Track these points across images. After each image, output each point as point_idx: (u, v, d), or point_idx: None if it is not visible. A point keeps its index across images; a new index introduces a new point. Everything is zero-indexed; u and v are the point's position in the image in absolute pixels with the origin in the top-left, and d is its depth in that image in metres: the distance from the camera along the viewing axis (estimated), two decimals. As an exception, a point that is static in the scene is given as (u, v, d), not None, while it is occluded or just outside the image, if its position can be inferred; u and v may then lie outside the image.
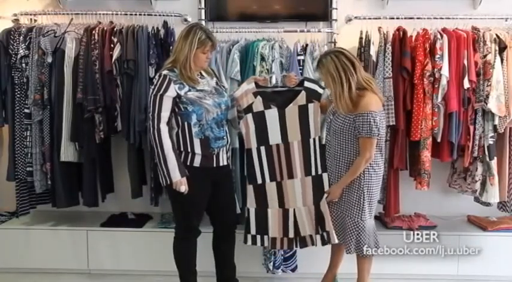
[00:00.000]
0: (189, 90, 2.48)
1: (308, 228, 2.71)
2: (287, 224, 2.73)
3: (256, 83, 2.69)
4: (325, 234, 2.65)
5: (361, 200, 2.51)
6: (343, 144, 2.52)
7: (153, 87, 2.48)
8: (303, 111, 2.68)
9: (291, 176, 2.71)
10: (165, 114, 2.45)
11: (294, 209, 2.72)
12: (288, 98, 2.69)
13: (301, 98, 2.68)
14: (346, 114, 2.47)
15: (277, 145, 2.69)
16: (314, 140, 2.69)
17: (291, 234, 2.73)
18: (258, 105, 2.67)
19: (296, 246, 2.77)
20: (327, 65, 2.47)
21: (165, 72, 2.48)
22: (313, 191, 2.69)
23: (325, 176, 2.67)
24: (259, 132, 2.68)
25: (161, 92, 2.43)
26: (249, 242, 2.74)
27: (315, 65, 2.99)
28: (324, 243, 2.67)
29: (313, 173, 2.70)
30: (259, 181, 2.71)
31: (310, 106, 2.68)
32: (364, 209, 2.52)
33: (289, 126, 2.68)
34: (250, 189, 2.72)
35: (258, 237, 2.73)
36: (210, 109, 2.50)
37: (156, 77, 2.51)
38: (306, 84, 2.70)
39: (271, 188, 2.72)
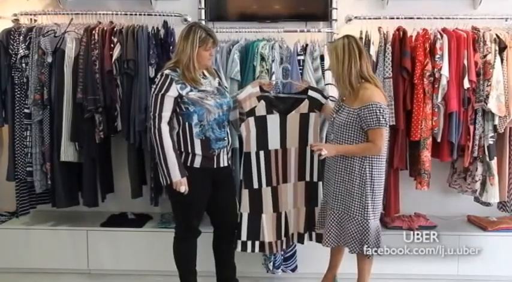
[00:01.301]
0: (191, 91, 2.47)
1: (293, 227, 2.78)
2: (280, 227, 2.75)
3: (260, 87, 2.69)
4: (313, 233, 2.78)
5: (363, 197, 2.48)
6: (347, 141, 2.50)
7: (154, 86, 2.47)
8: (304, 119, 2.69)
9: (285, 180, 2.73)
10: (166, 114, 2.44)
11: (286, 212, 2.75)
12: (291, 105, 2.70)
13: (304, 107, 2.69)
14: (350, 108, 2.47)
15: (276, 150, 2.70)
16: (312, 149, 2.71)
17: (283, 236, 2.77)
18: (261, 109, 2.66)
19: (285, 246, 2.81)
20: (336, 43, 2.53)
21: (167, 71, 2.47)
22: (306, 196, 2.75)
23: (320, 184, 2.73)
24: (260, 136, 2.67)
25: (163, 91, 2.43)
26: (239, 248, 2.70)
27: (316, 64, 3.02)
28: (317, 241, 2.77)
29: (308, 179, 2.74)
30: (256, 186, 2.70)
31: (312, 115, 2.70)
32: (367, 207, 2.49)
33: (289, 133, 2.70)
34: (245, 193, 2.69)
35: (249, 243, 2.70)
36: (212, 110, 2.50)
37: (158, 76, 2.50)
38: (310, 93, 2.71)
39: (266, 193, 2.71)
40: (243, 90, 2.74)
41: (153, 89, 2.48)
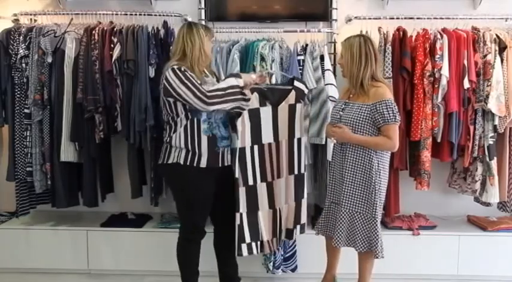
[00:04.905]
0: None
1: (284, 223, 2.76)
2: (276, 224, 2.73)
3: None
4: (298, 226, 2.77)
5: (373, 196, 2.48)
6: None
7: (172, 82, 2.39)
8: (292, 110, 2.70)
9: (278, 175, 2.71)
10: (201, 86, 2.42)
11: (279, 208, 2.73)
12: (280, 96, 2.69)
13: (292, 97, 2.70)
14: (362, 104, 2.48)
15: (269, 144, 2.67)
16: (298, 140, 2.73)
17: (277, 234, 2.74)
18: (254, 101, 2.62)
19: (277, 245, 2.79)
20: (352, 41, 2.52)
21: (176, 66, 2.43)
22: (295, 188, 2.74)
23: (305, 174, 2.78)
24: (254, 130, 2.64)
25: (185, 76, 2.38)
26: (245, 252, 2.59)
27: (316, 63, 3.02)
28: (301, 232, 2.80)
29: (296, 172, 2.74)
30: (251, 182, 2.63)
31: (298, 106, 2.71)
32: (376, 205, 2.48)
33: (280, 125, 2.69)
34: (242, 191, 2.60)
35: (253, 244, 2.63)
36: None
37: (169, 73, 2.41)
38: (296, 83, 2.73)
39: (262, 189, 2.66)
40: None
41: (173, 84, 2.38)
